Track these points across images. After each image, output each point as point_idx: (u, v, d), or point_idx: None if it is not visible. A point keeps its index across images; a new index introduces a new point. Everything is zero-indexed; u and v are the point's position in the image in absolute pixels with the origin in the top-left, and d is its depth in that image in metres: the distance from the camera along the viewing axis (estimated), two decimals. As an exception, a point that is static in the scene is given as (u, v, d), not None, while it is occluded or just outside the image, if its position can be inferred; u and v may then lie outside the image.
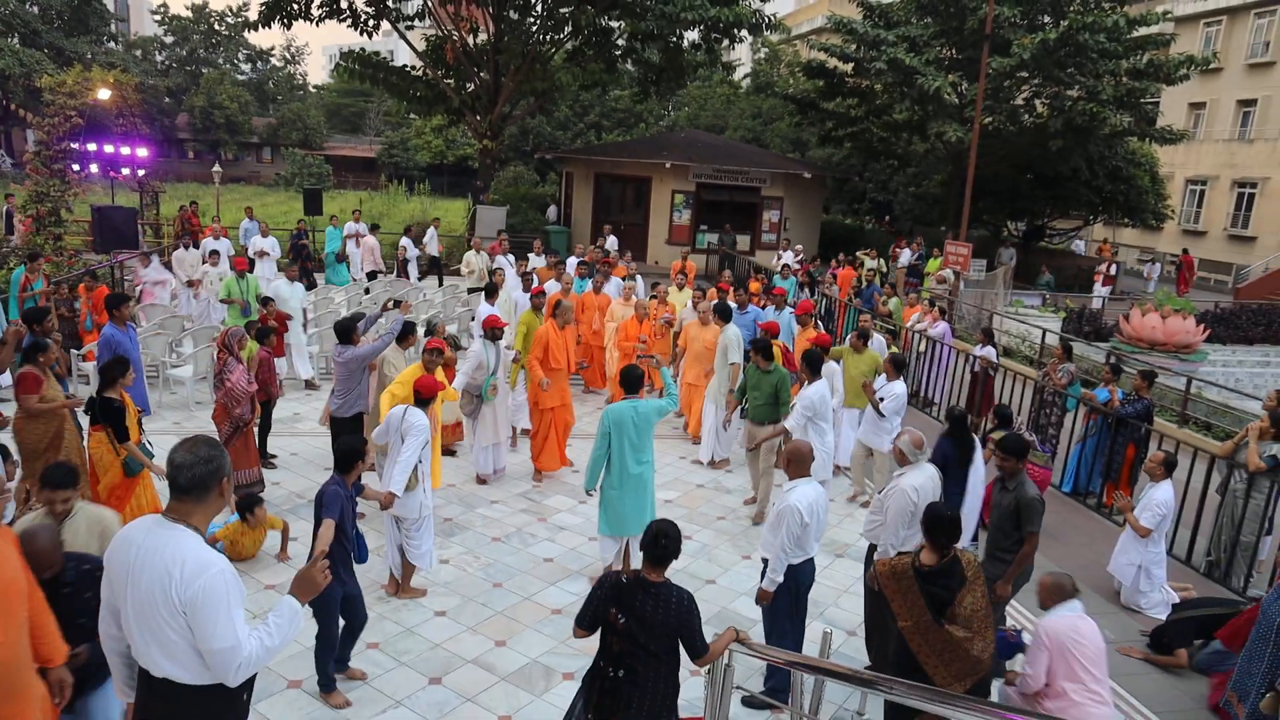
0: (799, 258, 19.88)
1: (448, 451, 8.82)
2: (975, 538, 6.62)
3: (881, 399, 7.99)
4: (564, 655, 5.51)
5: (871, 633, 4.87)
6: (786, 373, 7.63)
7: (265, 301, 10.06)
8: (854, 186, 30.83)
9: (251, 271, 11.89)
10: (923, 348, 11.84)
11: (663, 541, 3.67)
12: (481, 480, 8.20)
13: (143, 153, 18.11)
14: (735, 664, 3.96)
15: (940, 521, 4.17)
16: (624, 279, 12.11)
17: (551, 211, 23.73)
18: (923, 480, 5.27)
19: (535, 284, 10.83)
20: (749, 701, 4.99)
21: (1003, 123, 22.49)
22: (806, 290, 14.36)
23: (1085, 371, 12.15)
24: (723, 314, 9.13)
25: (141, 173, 18.71)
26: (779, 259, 19.59)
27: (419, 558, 5.97)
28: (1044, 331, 14.30)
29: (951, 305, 16.71)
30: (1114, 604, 6.79)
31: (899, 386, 8.05)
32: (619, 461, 6.05)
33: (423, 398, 5.90)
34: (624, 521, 6.12)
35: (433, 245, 18.83)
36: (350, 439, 4.97)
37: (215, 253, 13.13)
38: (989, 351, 10.93)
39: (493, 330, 7.99)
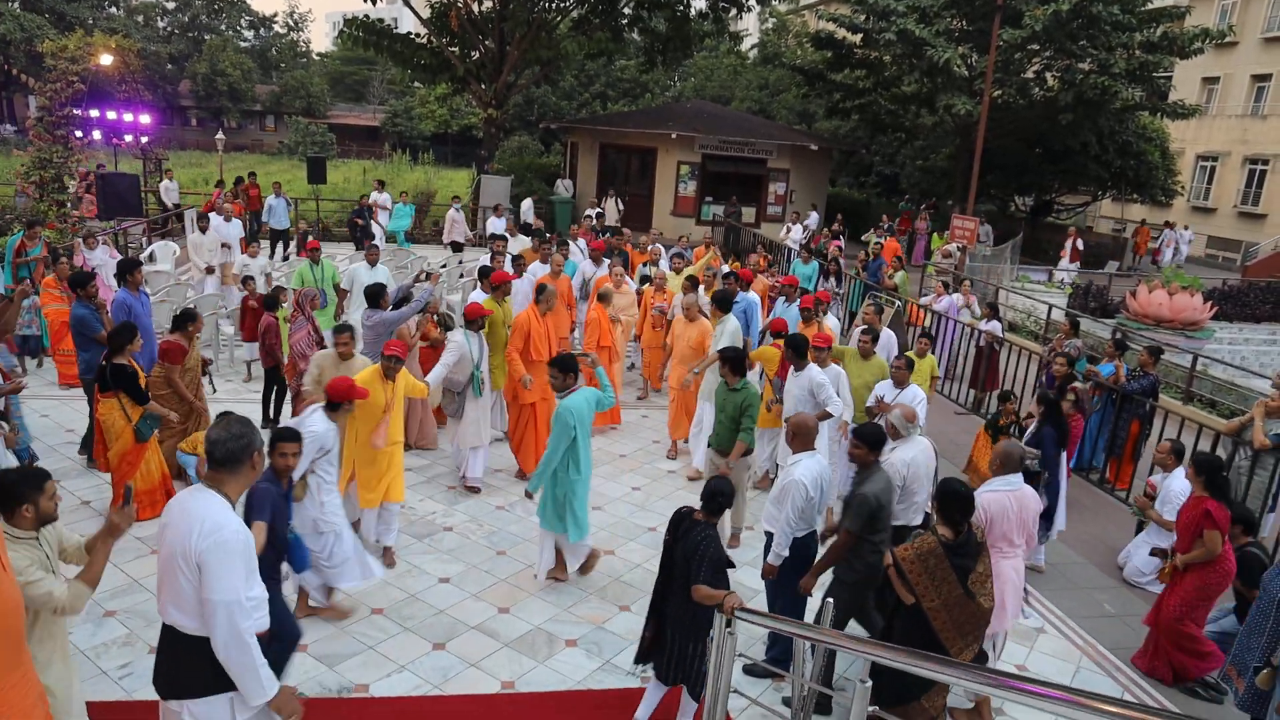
0: (807, 233, 19.73)
1: (410, 447, 7.92)
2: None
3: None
4: (567, 623, 5.55)
5: (865, 612, 4.86)
6: (756, 392, 6.37)
7: (245, 281, 9.75)
8: (861, 159, 30.56)
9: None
10: (928, 322, 11.80)
11: (719, 499, 4.31)
12: (472, 489, 7.38)
13: (145, 119, 18.00)
14: (737, 632, 3.98)
15: (955, 498, 4.18)
16: (636, 264, 11.19)
17: (563, 186, 23.03)
18: (914, 454, 5.26)
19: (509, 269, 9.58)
20: (750, 669, 5.03)
21: (1012, 96, 22.22)
22: (834, 280, 13.21)
23: (1091, 347, 12.10)
24: (722, 303, 8.30)
25: (144, 140, 18.60)
26: (787, 231, 19.45)
27: (334, 577, 5.22)
28: (1050, 307, 14.23)
29: (958, 280, 16.64)
30: (1114, 578, 6.82)
31: (914, 392, 6.88)
32: (584, 455, 5.69)
33: (332, 401, 5.15)
34: (580, 520, 5.75)
35: (529, 217, 18.88)
36: (281, 430, 4.52)
37: (256, 242, 12.43)
38: (994, 326, 10.87)
39: (476, 320, 7.19)
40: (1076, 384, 7.81)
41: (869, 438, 4.76)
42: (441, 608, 5.60)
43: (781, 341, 7.21)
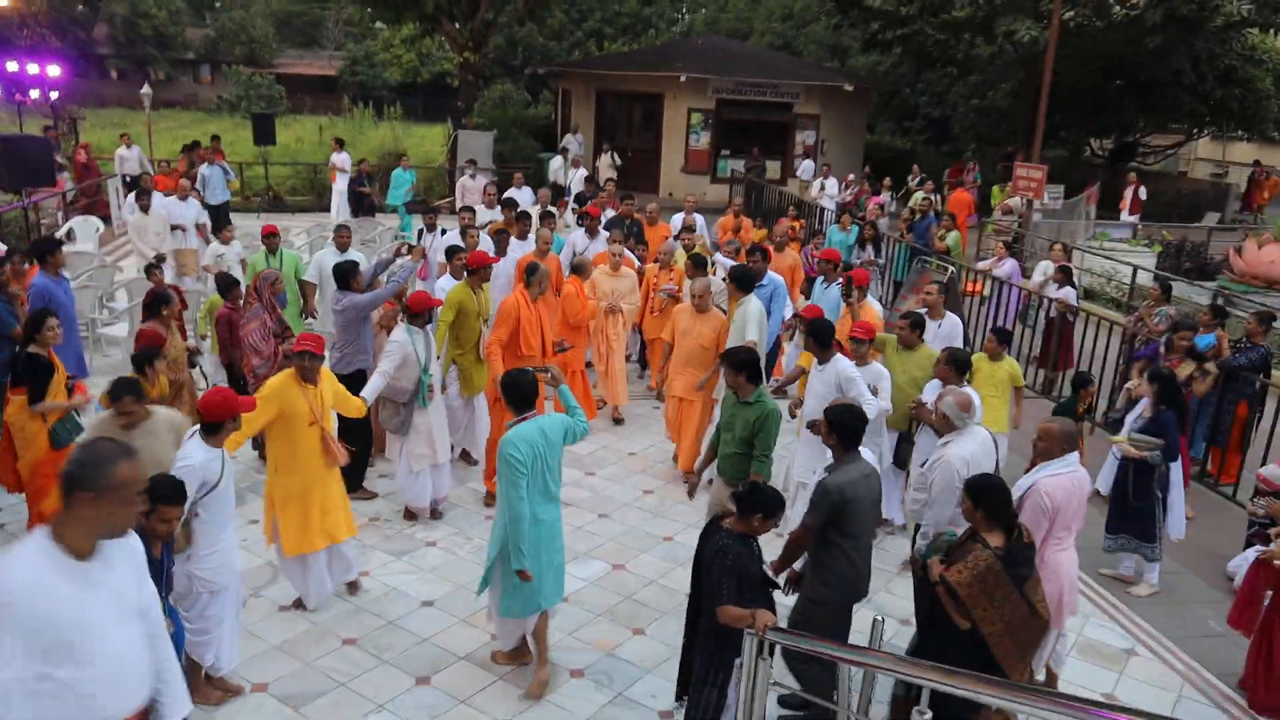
0: (848, 190, 19.62)
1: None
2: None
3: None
4: (572, 650, 5.56)
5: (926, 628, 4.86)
6: (775, 409, 5.74)
7: (149, 270, 9.24)
8: (904, 101, 30.42)
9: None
10: (987, 290, 11.75)
11: (758, 502, 4.21)
12: (412, 516, 7.11)
13: (55, 71, 18.00)
14: (771, 657, 3.97)
15: (996, 493, 4.22)
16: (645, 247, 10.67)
17: (574, 142, 21.96)
18: (973, 449, 5.22)
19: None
20: (786, 701, 5.03)
21: (1087, 17, 21.98)
22: (871, 248, 12.60)
23: (1185, 315, 12.03)
24: (741, 282, 7.85)
25: (54, 95, 18.61)
26: (821, 189, 19.35)
27: (197, 647, 4.76)
28: (1135, 269, 14.14)
29: (1021, 240, 16.57)
30: (1222, 590, 6.77)
31: (878, 370, 6.75)
32: (544, 506, 5.00)
33: (207, 422, 4.64)
34: (539, 589, 4.99)
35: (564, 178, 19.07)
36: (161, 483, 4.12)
37: (227, 228, 11.55)
38: (1067, 293, 10.82)
39: (422, 313, 6.75)
40: (1208, 364, 7.80)
41: (841, 424, 4.75)
42: (425, 636, 5.62)
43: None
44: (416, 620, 5.78)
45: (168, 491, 4.04)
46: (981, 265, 11.87)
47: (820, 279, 9.15)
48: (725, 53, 25.44)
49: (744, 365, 5.68)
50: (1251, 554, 6.75)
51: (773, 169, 22.60)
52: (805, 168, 22.04)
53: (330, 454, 5.59)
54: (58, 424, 6.14)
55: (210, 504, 4.64)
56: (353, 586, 6.06)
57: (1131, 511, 6.57)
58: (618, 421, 9.27)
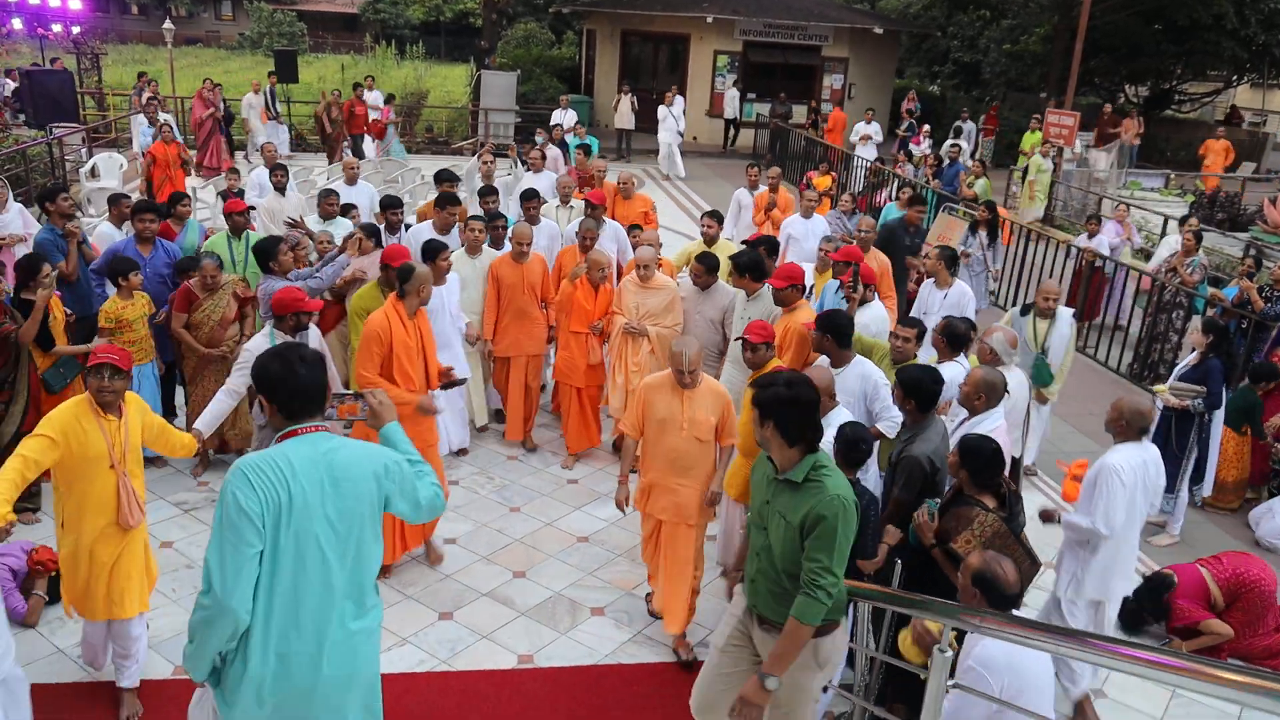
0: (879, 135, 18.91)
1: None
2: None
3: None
4: (592, 588, 5.62)
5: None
6: (847, 499, 3.36)
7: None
8: (935, 44, 29.74)
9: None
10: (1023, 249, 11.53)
11: (862, 447, 4.18)
12: None
13: (76, 5, 17.86)
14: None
15: (983, 455, 4.05)
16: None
17: (626, 108, 19.66)
18: (1013, 385, 5.17)
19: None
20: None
21: (1127, -42, 21.37)
22: (982, 236, 9.91)
23: (1215, 267, 11.84)
24: (752, 270, 6.21)
25: (76, 30, 18.51)
26: (863, 139, 18.71)
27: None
28: (1165, 219, 13.89)
29: (1052, 188, 16.29)
30: (1245, 540, 6.75)
31: (878, 310, 6.25)
32: (282, 617, 2.82)
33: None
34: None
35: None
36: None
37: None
38: (1103, 242, 10.63)
39: (287, 315, 5.45)
40: None
41: (913, 384, 4.47)
42: (448, 572, 5.68)
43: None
44: (439, 556, 5.85)
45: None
46: (1082, 242, 10.97)
47: (833, 283, 6.86)
48: (753, -8, 24.88)
49: (777, 405, 3.42)
50: (1277, 504, 6.72)
51: (799, 114, 22.16)
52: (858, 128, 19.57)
53: (129, 510, 4.14)
54: (49, 370, 5.95)
55: None
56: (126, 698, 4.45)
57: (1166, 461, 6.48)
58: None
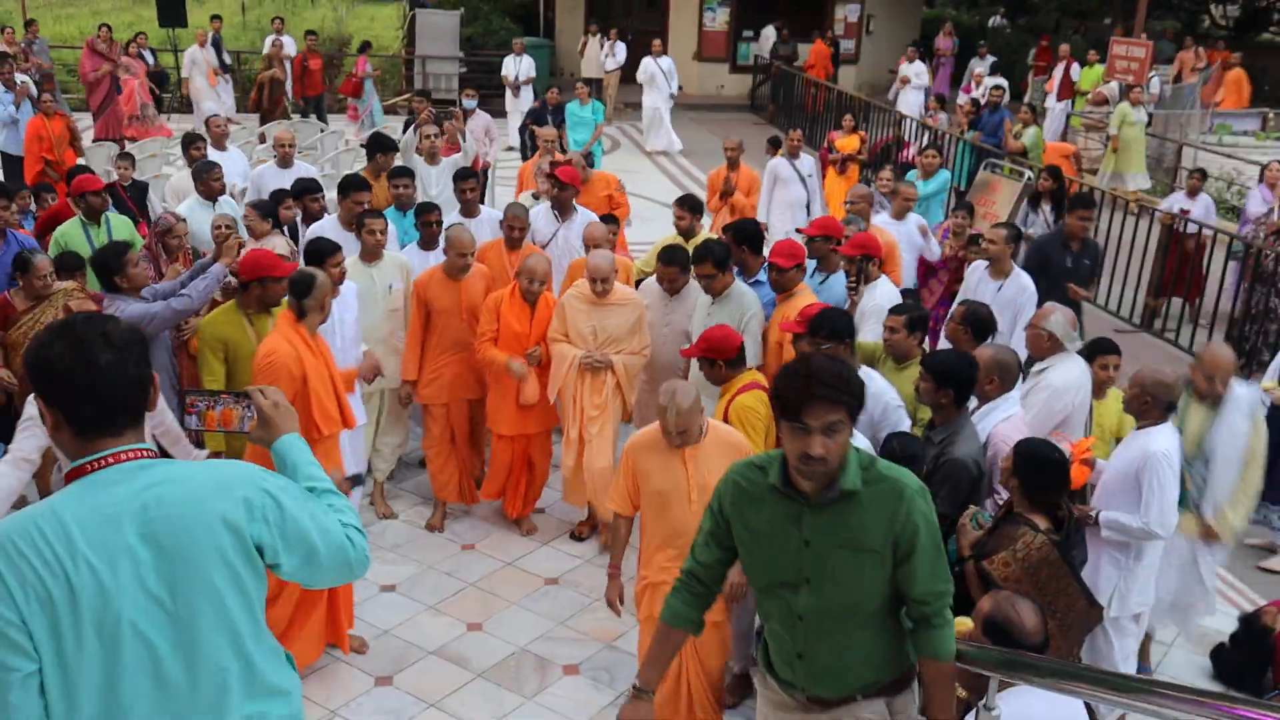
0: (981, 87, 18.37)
1: None
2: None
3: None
4: (562, 641, 5.63)
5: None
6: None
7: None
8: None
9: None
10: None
11: (915, 466, 3.96)
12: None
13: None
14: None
15: (1050, 466, 4.07)
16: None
17: (595, 51, 19.59)
18: (1078, 375, 5.22)
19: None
20: None
21: None
22: (1046, 210, 9.84)
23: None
24: (750, 242, 6.45)
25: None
26: (903, 82, 18.52)
27: None
28: (1262, 169, 13.96)
29: (1117, 135, 16.35)
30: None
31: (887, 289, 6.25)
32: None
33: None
34: None
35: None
36: None
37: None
38: (1190, 204, 10.60)
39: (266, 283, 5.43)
40: None
41: (941, 371, 4.51)
42: (386, 627, 5.69)
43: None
44: (376, 609, 5.84)
45: None
46: (1166, 205, 10.98)
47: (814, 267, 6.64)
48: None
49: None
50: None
51: (804, 53, 22.17)
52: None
53: None
54: None
55: None
56: None
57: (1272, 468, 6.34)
58: (578, 538, 6.68)
